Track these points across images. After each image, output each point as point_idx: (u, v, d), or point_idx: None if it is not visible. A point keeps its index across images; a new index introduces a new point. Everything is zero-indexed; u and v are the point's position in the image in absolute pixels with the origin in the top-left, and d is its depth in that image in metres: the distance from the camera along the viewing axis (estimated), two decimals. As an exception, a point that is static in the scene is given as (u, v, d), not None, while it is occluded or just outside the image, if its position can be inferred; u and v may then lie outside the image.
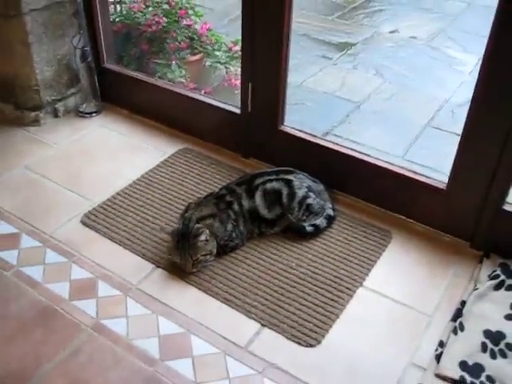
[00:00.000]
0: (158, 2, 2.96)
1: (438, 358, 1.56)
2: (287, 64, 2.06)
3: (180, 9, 2.83)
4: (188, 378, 1.52)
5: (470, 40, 3.72)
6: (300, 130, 2.16)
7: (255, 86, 2.13)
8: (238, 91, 2.84)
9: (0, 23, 2.32)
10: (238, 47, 2.98)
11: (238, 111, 2.25)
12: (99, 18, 2.50)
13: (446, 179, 1.91)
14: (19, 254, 1.89)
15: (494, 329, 1.63)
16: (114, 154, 2.37)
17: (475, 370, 1.53)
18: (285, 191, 1.93)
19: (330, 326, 1.65)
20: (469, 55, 3.52)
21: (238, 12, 3.92)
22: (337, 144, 2.13)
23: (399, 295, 1.76)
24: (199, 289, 1.76)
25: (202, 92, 2.70)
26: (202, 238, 1.75)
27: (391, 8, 4.40)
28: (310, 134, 2.15)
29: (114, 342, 1.61)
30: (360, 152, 2.09)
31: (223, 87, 2.97)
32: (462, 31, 3.95)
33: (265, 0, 1.96)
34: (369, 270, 1.84)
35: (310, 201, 1.94)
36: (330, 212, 2.00)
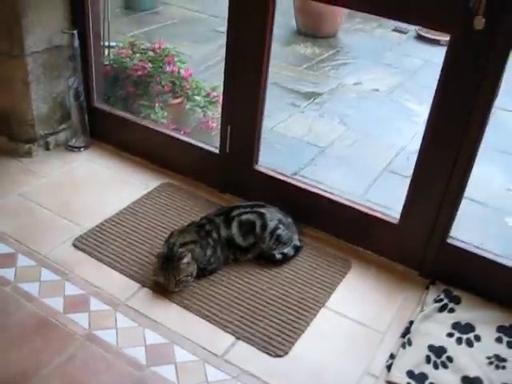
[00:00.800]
0: (143, 49, 3.23)
1: (389, 367, 1.81)
2: (263, 110, 2.34)
3: (166, 56, 3.10)
4: (172, 381, 1.73)
5: (425, 94, 4.04)
6: (272, 170, 2.42)
7: (233, 128, 2.39)
8: (214, 133, 3.13)
9: (4, 61, 2.54)
10: (216, 93, 3.26)
11: (216, 151, 2.50)
12: (92, 63, 2.75)
13: (398, 216, 2.18)
14: (16, 271, 2.09)
15: (437, 344, 1.89)
16: (101, 186, 2.59)
17: (420, 378, 1.78)
18: (258, 222, 2.17)
19: (296, 340, 1.88)
20: (423, 107, 3.85)
21: (215, 59, 4.27)
22: (304, 183, 2.40)
23: (357, 315, 2.01)
24: (181, 306, 1.98)
25: (182, 132, 2.93)
26: (185, 260, 1.98)
27: (355, 62, 4.76)
28: (281, 174, 2.41)
29: (106, 350, 1.81)
30: (324, 190, 2.35)
31: (200, 129, 3.22)
32: (418, 85, 4.31)
33: (245, 54, 2.23)
34: (330, 293, 2.08)
35: (279, 232, 2.19)
36: (297, 242, 2.25)
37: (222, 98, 2.42)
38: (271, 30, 2.19)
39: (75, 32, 2.62)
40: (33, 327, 1.87)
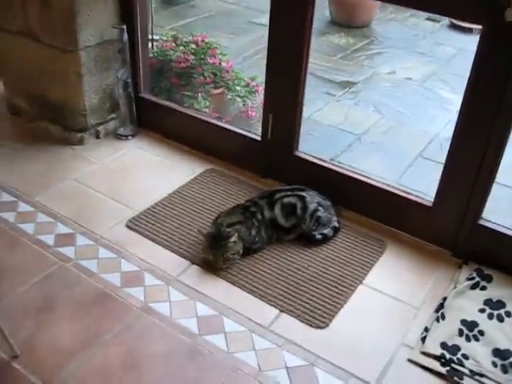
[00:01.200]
0: (186, 42, 3.38)
1: (423, 339, 1.93)
2: (303, 99, 2.47)
3: (209, 48, 3.25)
4: (222, 348, 1.88)
5: (458, 82, 4.13)
6: (312, 155, 2.56)
7: (275, 116, 2.52)
8: (253, 121, 3.27)
9: (59, 56, 2.72)
10: (255, 83, 3.40)
11: (258, 138, 2.64)
12: (140, 55, 2.91)
13: (432, 199, 2.30)
14: (76, 250, 2.27)
15: (469, 319, 2.00)
16: (150, 171, 2.75)
17: (453, 349, 1.90)
18: (299, 205, 2.31)
19: (336, 313, 2.02)
20: (457, 95, 3.92)
21: (251, 50, 4.41)
22: (342, 168, 2.53)
23: (392, 292, 2.14)
24: (228, 281, 2.13)
25: (223, 121, 3.08)
26: (232, 239, 2.13)
27: (389, 51, 4.85)
28: (320, 159, 2.55)
29: (160, 320, 1.97)
30: (361, 174, 2.48)
31: (240, 117, 3.37)
32: (451, 74, 4.38)
33: (286, 46, 2.36)
34: (367, 271, 2.22)
35: (319, 214, 2.32)
36: (336, 224, 2.38)
37: (264, 88, 2.56)
38: (311, 22, 2.32)
39: (125, 27, 2.78)
40: (93, 299, 2.05)
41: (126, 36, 2.80)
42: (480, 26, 1.98)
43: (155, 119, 3.00)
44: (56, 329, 1.93)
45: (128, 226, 2.38)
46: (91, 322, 1.96)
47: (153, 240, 2.31)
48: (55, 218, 2.42)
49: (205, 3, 5.79)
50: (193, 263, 2.21)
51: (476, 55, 1.99)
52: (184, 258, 2.23)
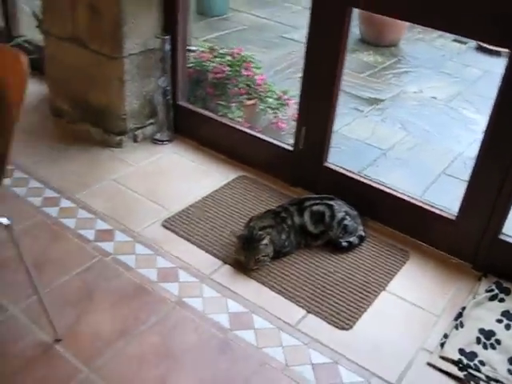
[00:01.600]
0: (221, 54, 3.52)
1: (442, 345, 2.03)
2: (335, 113, 2.59)
3: (244, 61, 3.39)
4: (251, 343, 2.00)
5: (484, 103, 4.25)
6: (341, 167, 2.67)
7: (307, 129, 2.65)
8: (283, 133, 3.39)
9: (104, 62, 2.88)
10: (286, 96, 3.53)
11: (290, 148, 2.77)
12: (179, 65, 3.06)
13: (455, 213, 2.40)
14: (114, 245, 2.40)
15: (486, 328, 2.10)
16: (185, 176, 2.89)
17: (470, 355, 2.00)
18: (327, 213, 2.43)
19: (360, 316, 2.13)
20: (481, 116, 4.04)
21: (283, 65, 4.54)
22: (370, 180, 2.64)
23: (414, 299, 2.24)
24: (258, 281, 2.25)
25: (255, 131, 3.20)
26: (264, 242, 2.26)
27: (416, 70, 4.96)
28: (349, 171, 2.66)
29: (193, 315, 2.10)
30: (388, 187, 2.59)
31: (271, 129, 3.49)
32: (477, 95, 4.48)
33: (322, 62, 2.49)
34: (390, 279, 2.32)
35: (346, 222, 2.44)
36: (362, 233, 2.49)
37: (298, 101, 2.68)
38: (346, 40, 2.44)
39: (167, 37, 2.93)
40: (131, 292, 2.18)
41: (168, 46, 2.95)
42: (507, 50, 2.08)
43: (191, 126, 3.14)
44: (96, 317, 2.06)
45: (164, 226, 2.51)
46: (128, 312, 2.09)
47: (187, 239, 2.43)
48: (95, 214, 2.56)
49: (238, 16, 5.96)
50: (225, 263, 2.33)
51: (503, 78, 2.10)
52: (217, 257, 2.35)
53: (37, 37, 3.68)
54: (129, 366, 1.90)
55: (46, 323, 1.96)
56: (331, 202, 2.47)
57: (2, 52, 1.66)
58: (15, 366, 1.87)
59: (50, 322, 1.95)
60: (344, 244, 2.42)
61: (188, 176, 2.89)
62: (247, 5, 6.34)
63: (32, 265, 1.88)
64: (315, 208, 2.44)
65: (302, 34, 5.40)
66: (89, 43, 2.92)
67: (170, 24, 2.97)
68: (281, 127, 3.46)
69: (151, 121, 3.15)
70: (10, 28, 3.95)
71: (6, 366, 1.87)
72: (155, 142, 3.14)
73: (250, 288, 2.23)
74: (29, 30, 3.96)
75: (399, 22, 5.30)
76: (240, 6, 6.22)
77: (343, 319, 2.11)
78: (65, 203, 2.62)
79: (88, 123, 3.12)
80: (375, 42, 5.47)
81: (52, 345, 1.95)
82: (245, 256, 2.27)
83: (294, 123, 3.16)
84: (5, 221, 1.72)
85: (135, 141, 3.12)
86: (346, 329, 2.08)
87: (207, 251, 2.38)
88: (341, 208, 2.46)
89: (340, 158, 3.18)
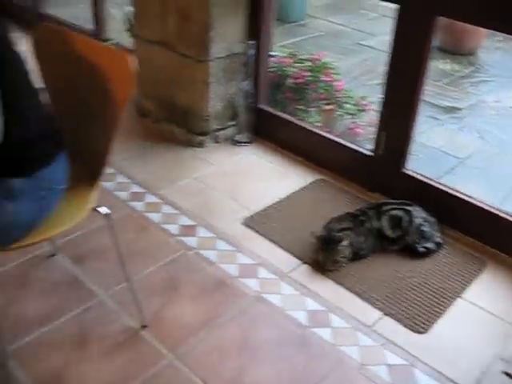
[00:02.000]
0: (301, 59, 3.60)
1: (520, 354, 2.04)
2: (415, 120, 2.62)
3: (325, 68, 3.45)
4: (328, 341, 2.06)
5: None
6: (419, 174, 2.70)
7: (387, 134, 2.69)
8: (360, 138, 3.43)
9: (191, 65, 3.00)
10: (364, 102, 3.57)
11: (369, 153, 2.81)
12: (261, 69, 3.15)
13: (537, 224, 2.39)
14: (197, 240, 2.51)
15: None
16: (264, 177, 2.97)
17: (548, 366, 1.99)
18: (405, 218, 2.46)
19: (435, 321, 2.15)
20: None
21: (359, 71, 4.57)
22: (448, 187, 2.65)
23: (490, 308, 2.24)
24: (336, 282, 2.30)
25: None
26: (342, 243, 2.31)
27: (495, 80, 4.90)
28: (427, 178, 2.68)
29: (272, 310, 2.17)
30: (466, 195, 2.59)
31: (348, 134, 3.53)
32: (558, 107, 4.40)
33: (405, 71, 2.53)
34: (466, 286, 2.33)
35: (423, 228, 2.46)
36: (439, 240, 2.51)
37: (379, 107, 2.72)
38: (429, 49, 2.47)
39: (252, 42, 3.02)
40: (212, 285, 2.27)
41: (252, 51, 3.04)
42: None
43: (270, 129, 3.23)
44: (179, 307, 2.17)
45: (244, 224, 2.60)
46: (210, 305, 2.19)
47: (267, 238, 2.51)
48: (179, 210, 2.68)
49: (314, 23, 6.02)
50: (303, 262, 2.40)
51: None
52: (295, 256, 2.42)
53: (124, 40, 3.86)
54: (210, 355, 1.99)
55: (133, 309, 2.08)
56: (409, 208, 2.50)
57: (109, 52, 1.78)
58: (104, 347, 2.00)
59: (139, 309, 2.06)
60: (421, 249, 2.45)
61: (266, 177, 2.97)
62: (324, 11, 6.41)
63: (117, 254, 2.00)
64: (393, 213, 2.47)
65: (378, 40, 5.46)
66: (177, 46, 3.05)
67: (255, 30, 3.07)
68: (358, 133, 3.50)
69: (232, 122, 3.25)
70: (100, 31, 4.15)
71: (95, 346, 2.00)
72: (235, 143, 3.24)
73: (327, 287, 2.28)
74: (117, 33, 4.16)
75: (479, 29, 5.25)
76: (317, 13, 6.29)
77: (419, 323, 2.14)
78: (150, 198, 2.75)
79: (172, 123, 3.25)
80: (453, 49, 5.42)
81: (138, 330, 2.06)
82: (323, 256, 2.33)
83: (370, 129, 3.22)
84: (105, 210, 1.84)
85: (216, 141, 3.23)
86: (422, 332, 2.11)
87: (286, 250, 2.45)
88: (419, 214, 2.49)
89: (417, 165, 3.19)
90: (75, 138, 1.77)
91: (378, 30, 5.71)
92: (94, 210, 1.82)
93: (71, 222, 1.73)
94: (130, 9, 3.59)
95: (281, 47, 4.44)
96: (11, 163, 1.50)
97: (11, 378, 1.81)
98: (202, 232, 2.55)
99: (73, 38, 1.82)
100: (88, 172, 1.80)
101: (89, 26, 4.24)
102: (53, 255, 2.38)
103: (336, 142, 2.97)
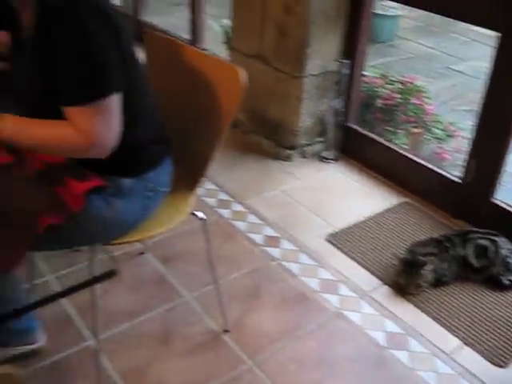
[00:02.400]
0: (392, 81, 3.61)
1: None
2: (508, 150, 2.59)
3: (417, 91, 3.46)
4: (406, 364, 2.06)
5: None
6: (508, 204, 2.66)
7: (478, 162, 2.67)
8: (446, 164, 3.40)
9: (286, 80, 3.08)
10: (453, 128, 3.54)
11: (457, 180, 2.79)
12: (354, 88, 3.19)
13: None
14: (280, 252, 2.56)
15: None
16: (348, 195, 3.00)
17: None
18: (491, 248, 2.43)
19: (517, 356, 2.13)
20: None
21: (448, 95, 4.53)
22: (538, 221, 2.61)
23: None
24: (416, 306, 2.30)
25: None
26: (426, 268, 2.31)
27: None
28: (517, 209, 2.65)
29: (351, 327, 2.19)
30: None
31: (433, 158, 3.52)
32: None
33: (502, 98, 2.51)
34: (552, 324, 2.29)
35: (510, 260, 2.43)
36: (525, 273, 2.47)
37: (471, 133, 2.70)
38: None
39: (347, 61, 3.07)
40: (293, 297, 2.32)
41: (345, 70, 3.09)
42: None
43: (358, 148, 3.26)
44: (260, 315, 2.23)
45: (327, 240, 2.64)
46: (290, 316, 2.23)
47: (349, 256, 2.54)
48: (264, 220, 2.75)
49: (404, 44, 6.01)
50: (384, 283, 2.41)
51: None
52: (377, 277, 2.44)
53: (220, 51, 3.99)
54: (288, 366, 2.03)
55: (216, 313, 2.16)
56: (495, 238, 2.47)
57: (220, 64, 1.86)
58: (186, 347, 2.08)
59: (222, 313, 2.13)
60: (505, 282, 2.41)
61: (351, 195, 3.00)
62: (414, 33, 6.38)
63: (204, 260, 2.08)
64: (479, 242, 2.45)
65: (468, 66, 5.40)
66: (273, 61, 3.13)
67: (350, 49, 3.11)
68: (444, 158, 3.48)
69: (320, 139, 3.30)
70: (196, 41, 4.29)
71: (177, 345, 2.08)
72: (322, 159, 3.28)
73: (407, 311, 2.29)
74: (212, 44, 4.29)
75: None
76: (407, 34, 6.27)
77: (499, 356, 2.11)
78: (236, 207, 2.83)
79: (261, 135, 3.33)
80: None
81: (220, 334, 2.14)
82: (405, 279, 2.33)
83: (458, 155, 3.20)
84: (201, 214, 1.93)
85: (303, 156, 3.28)
86: (502, 366, 2.08)
87: (368, 269, 2.47)
88: (505, 245, 2.46)
89: (506, 195, 3.15)
90: (180, 143, 1.86)
91: (469, 55, 5.65)
92: (192, 213, 1.90)
93: (170, 224, 1.82)
94: (227, 22, 3.71)
95: (371, 67, 4.47)
96: (122, 163, 1.60)
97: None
98: (286, 244, 2.61)
99: (184, 48, 1.91)
100: (189, 177, 1.89)
101: (184, 34, 4.39)
102: (142, 253, 2.49)
103: (424, 166, 2.96)
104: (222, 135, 1.79)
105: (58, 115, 1.44)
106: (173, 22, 5.03)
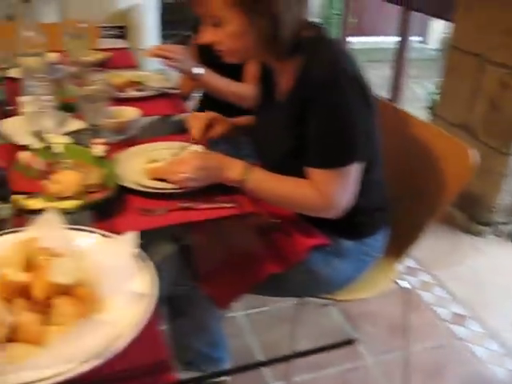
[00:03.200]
0: None
1: None
2: None
3: None
4: None
5: None
6: None
7: None
8: None
9: (490, 155, 3.00)
10: None
11: None
12: None
13: None
14: (467, 332, 2.46)
15: None
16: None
17: None
18: None
19: None
20: None
21: None
22: None
23: None
24: None
25: None
26: None
27: None
28: None
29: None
30: None
31: None
32: None
33: None
34: None
35: None
36: None
37: None
38: None
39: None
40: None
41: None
42: None
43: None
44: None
45: (521, 329, 2.50)
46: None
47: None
48: (451, 295, 2.67)
49: None
50: None
51: None
52: None
53: (422, 116, 3.97)
54: None
55: (398, 381, 2.12)
56: None
57: (448, 140, 1.85)
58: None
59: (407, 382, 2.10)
60: None
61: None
62: None
63: (389, 325, 2.05)
64: None
65: None
66: (480, 134, 3.06)
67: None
68: None
69: (516, 219, 3.17)
70: (393, 101, 4.32)
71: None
72: (517, 240, 3.14)
73: None
74: (410, 107, 4.28)
75: None
76: None
77: None
78: (424, 276, 2.79)
79: (456, 207, 3.26)
80: None
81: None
82: None
83: None
84: (405, 284, 1.93)
85: (496, 234, 3.16)
86: None
87: None
88: None
89: None
90: (395, 211, 1.87)
91: None
92: (395, 282, 1.90)
93: (374, 290, 1.84)
94: (433, 88, 3.70)
95: None
96: (346, 225, 1.64)
97: None
98: (473, 325, 2.51)
99: (411, 120, 1.94)
100: (399, 245, 1.90)
101: (380, 92, 4.43)
102: (326, 305, 2.52)
103: None
104: (440, 210, 1.78)
105: (295, 173, 1.52)
106: (368, 77, 5.09)
